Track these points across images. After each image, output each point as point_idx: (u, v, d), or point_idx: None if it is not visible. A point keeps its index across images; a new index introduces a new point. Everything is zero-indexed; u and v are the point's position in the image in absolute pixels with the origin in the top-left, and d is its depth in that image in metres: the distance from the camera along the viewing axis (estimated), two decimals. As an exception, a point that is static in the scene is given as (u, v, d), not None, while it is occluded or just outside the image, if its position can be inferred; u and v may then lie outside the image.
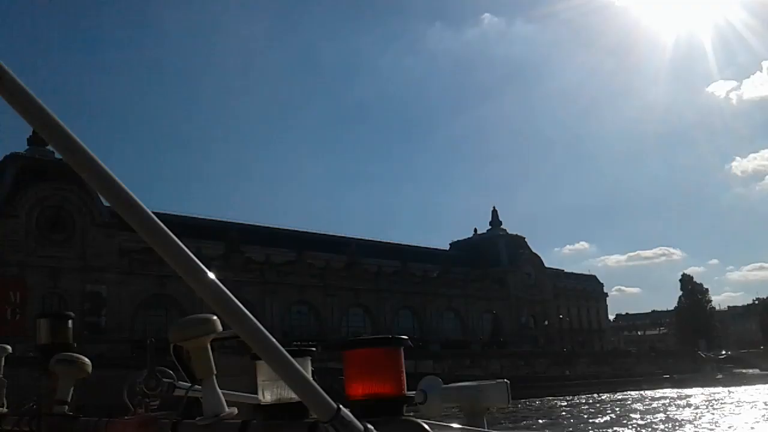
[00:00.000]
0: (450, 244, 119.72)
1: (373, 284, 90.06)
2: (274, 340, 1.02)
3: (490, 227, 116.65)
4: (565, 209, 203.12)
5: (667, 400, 49.83)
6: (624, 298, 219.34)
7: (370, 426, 1.07)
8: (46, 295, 66.94)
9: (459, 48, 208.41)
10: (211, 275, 1.06)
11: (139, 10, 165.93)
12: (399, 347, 1.37)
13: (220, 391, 1.66)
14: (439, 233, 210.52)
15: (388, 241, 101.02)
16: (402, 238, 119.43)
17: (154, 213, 1.09)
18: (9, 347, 2.77)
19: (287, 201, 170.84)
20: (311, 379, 1.06)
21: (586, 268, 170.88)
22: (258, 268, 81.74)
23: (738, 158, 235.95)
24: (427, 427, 1.29)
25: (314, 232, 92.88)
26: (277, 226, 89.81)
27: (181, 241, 1.15)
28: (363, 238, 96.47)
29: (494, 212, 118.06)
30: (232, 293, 1.08)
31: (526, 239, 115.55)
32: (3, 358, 2.73)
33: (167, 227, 1.11)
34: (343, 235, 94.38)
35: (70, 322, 2.54)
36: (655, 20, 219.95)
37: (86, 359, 2.30)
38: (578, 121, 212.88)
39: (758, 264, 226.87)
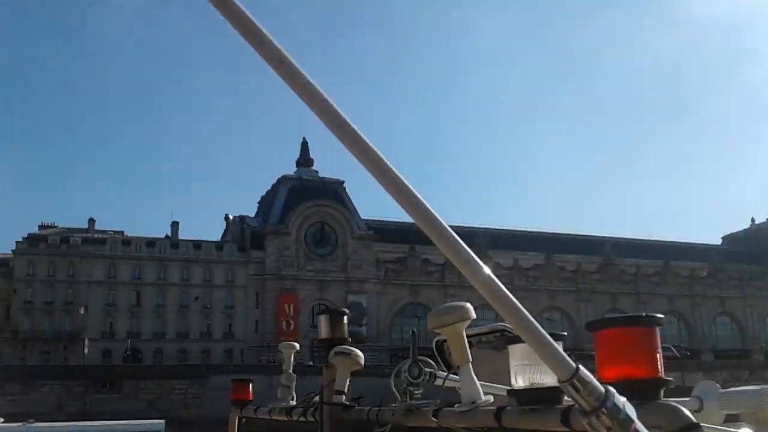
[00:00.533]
0: (722, 238, 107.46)
1: (632, 287, 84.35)
2: (532, 319, 1.05)
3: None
4: None
5: None
6: None
7: (611, 388, 1.03)
8: (315, 307, 73.47)
9: (721, 12, 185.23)
10: (487, 269, 1.10)
11: None
12: (654, 326, 1.30)
13: (476, 379, 1.76)
14: (709, 227, 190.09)
15: (648, 238, 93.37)
16: (664, 235, 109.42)
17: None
18: (297, 345, 3.22)
19: (537, 202, 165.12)
20: (551, 339, 1.06)
21: None
22: (506, 273, 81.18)
23: None
24: (688, 413, 1.19)
25: (565, 233, 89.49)
26: (525, 229, 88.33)
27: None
28: (619, 236, 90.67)
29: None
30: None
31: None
32: (292, 355, 3.14)
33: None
34: (596, 234, 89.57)
35: (345, 318, 2.75)
36: None
37: (360, 352, 2.52)
38: None
39: None
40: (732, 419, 2.21)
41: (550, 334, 1.25)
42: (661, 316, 1.37)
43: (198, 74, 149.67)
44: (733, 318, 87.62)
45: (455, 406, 1.77)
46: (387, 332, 74.78)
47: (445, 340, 2.09)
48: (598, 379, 1.18)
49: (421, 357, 2.22)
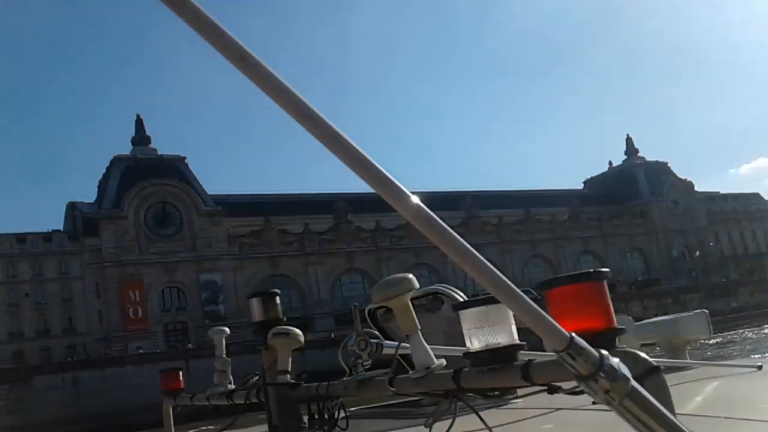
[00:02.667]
0: (583, 183, 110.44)
1: (496, 236, 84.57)
2: (504, 278, 1.01)
3: (625, 157, 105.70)
4: (726, 127, 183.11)
5: None
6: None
7: (604, 352, 1.04)
8: (165, 290, 68.59)
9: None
10: (417, 203, 1.00)
11: None
12: (603, 280, 1.35)
13: (427, 345, 1.75)
14: (573, 174, 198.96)
15: (508, 189, 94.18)
16: (529, 185, 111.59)
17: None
18: (227, 329, 3.25)
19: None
20: (542, 310, 1.04)
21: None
22: (369, 236, 79.42)
23: None
24: (644, 355, 1.25)
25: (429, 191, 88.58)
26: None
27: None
28: (481, 189, 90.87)
29: (628, 140, 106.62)
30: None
31: (669, 164, 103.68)
32: (223, 339, 3.13)
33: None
34: (458, 189, 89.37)
35: (278, 298, 2.69)
36: None
37: (299, 331, 2.49)
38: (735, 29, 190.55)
39: None
40: (648, 348, 1.93)
41: (595, 272, 1.33)
42: (608, 270, 1.44)
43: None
44: (595, 255, 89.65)
45: (410, 373, 1.76)
46: (248, 308, 70.82)
47: (377, 309, 2.19)
48: None
49: (366, 329, 2.16)
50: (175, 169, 72.79)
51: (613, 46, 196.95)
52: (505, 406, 2.82)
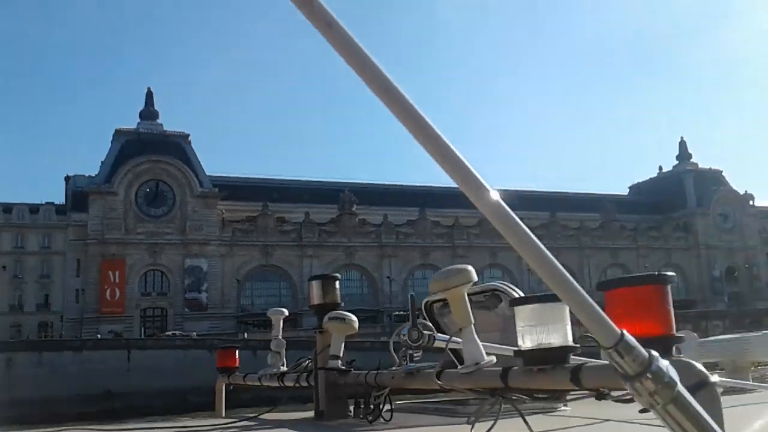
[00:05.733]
0: (629, 188, 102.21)
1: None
2: (564, 270, 1.01)
3: (677, 162, 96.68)
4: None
5: None
6: None
7: (654, 352, 1.02)
8: (147, 273, 66.36)
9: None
10: (495, 196, 1.01)
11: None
12: (666, 284, 1.33)
13: (479, 340, 1.76)
14: (619, 177, 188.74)
15: (535, 189, 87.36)
16: (564, 187, 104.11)
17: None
18: (285, 311, 3.35)
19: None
20: (596, 305, 1.03)
21: None
22: (374, 230, 75.04)
23: None
24: (701, 367, 1.21)
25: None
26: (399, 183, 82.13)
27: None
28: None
29: (682, 144, 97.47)
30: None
31: (723, 173, 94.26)
32: (281, 321, 3.21)
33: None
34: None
35: (337, 283, 2.67)
36: None
37: (354, 317, 2.44)
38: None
39: None
40: (710, 367, 2.07)
41: (658, 275, 1.29)
42: (672, 274, 1.38)
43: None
44: (625, 269, 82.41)
45: (459, 368, 1.77)
46: (234, 298, 68.03)
47: (434, 302, 2.20)
48: None
49: (421, 321, 2.14)
50: (177, 146, 70.06)
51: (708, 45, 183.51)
52: (551, 413, 2.62)
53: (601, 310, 1.03)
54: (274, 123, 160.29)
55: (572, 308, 1.03)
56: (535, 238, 0.98)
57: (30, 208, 64.65)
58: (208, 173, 71.81)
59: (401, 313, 62.49)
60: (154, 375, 36.64)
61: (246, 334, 52.02)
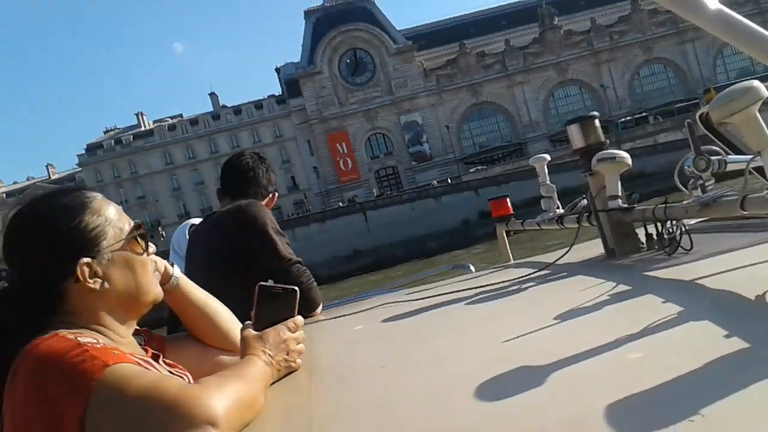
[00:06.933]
0: None
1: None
2: None
3: None
4: None
5: None
6: None
7: None
8: (370, 138, 69.99)
9: None
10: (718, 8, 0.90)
11: None
12: None
13: None
14: None
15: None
16: None
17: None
18: (548, 156, 3.16)
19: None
20: None
21: None
22: (584, 38, 70.41)
23: None
24: None
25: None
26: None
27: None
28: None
29: None
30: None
31: None
32: (545, 166, 3.10)
33: None
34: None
35: (596, 121, 2.54)
36: None
37: (625, 153, 2.33)
38: None
39: None
40: None
41: None
42: None
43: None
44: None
45: (765, 192, 1.54)
46: (456, 142, 69.43)
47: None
48: None
49: (705, 146, 1.92)
50: (363, 11, 70.79)
51: None
52: None
53: None
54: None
55: None
56: None
57: (255, 105, 70.64)
58: (398, 28, 71.94)
59: (628, 118, 59.17)
60: (391, 230, 39.40)
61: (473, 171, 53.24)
